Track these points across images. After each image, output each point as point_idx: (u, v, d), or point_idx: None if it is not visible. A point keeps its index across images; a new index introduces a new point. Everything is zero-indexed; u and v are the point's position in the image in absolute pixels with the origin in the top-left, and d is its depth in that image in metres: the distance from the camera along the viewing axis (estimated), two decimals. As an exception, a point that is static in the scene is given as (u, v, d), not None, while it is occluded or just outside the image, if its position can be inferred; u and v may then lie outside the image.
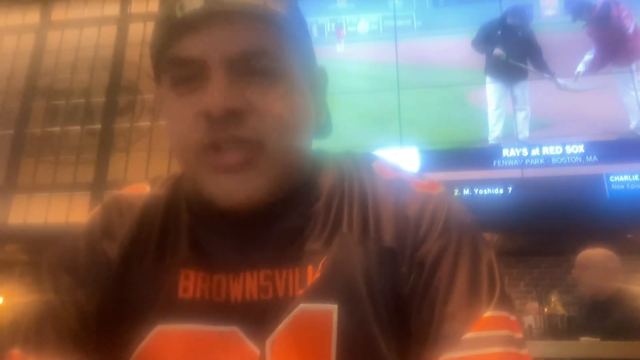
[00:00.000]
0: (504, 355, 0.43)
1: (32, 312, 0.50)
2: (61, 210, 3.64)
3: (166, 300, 0.49)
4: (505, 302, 0.47)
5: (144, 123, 3.79)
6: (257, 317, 0.47)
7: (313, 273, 0.48)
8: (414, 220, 0.49)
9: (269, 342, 0.46)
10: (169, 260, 0.51)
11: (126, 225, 0.54)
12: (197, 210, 0.54)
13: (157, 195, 0.57)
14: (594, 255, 2.51)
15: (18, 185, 3.76)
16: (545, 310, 3.06)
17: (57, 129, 3.90)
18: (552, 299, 3.07)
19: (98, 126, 3.84)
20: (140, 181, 0.63)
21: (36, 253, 3.77)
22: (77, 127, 3.87)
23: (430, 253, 0.48)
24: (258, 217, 0.51)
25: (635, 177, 2.87)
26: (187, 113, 0.47)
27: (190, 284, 0.49)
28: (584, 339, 2.05)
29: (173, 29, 0.46)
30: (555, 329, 2.85)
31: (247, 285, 0.49)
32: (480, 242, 0.49)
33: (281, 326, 0.46)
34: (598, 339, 2.02)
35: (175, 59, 0.47)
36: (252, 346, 0.47)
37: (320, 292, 0.47)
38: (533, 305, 3.25)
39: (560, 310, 2.98)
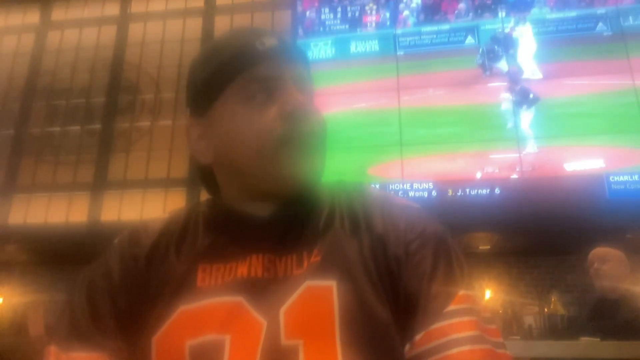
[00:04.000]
0: (474, 323, 0.56)
1: (69, 313, 0.62)
2: (61, 210, 3.64)
3: (187, 290, 0.59)
4: (472, 287, 0.60)
5: (144, 123, 3.80)
6: (260, 290, 0.58)
7: (307, 256, 0.60)
8: (402, 224, 0.62)
9: (282, 311, 0.56)
10: (188, 258, 0.63)
11: (151, 235, 0.66)
12: (212, 221, 0.67)
13: (176, 215, 0.71)
14: (612, 252, 2.49)
15: (18, 185, 3.76)
16: (545, 310, 3.06)
17: (57, 129, 3.90)
18: (552, 299, 3.07)
19: (98, 126, 3.84)
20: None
21: (36, 253, 3.78)
22: (77, 127, 3.88)
23: (415, 250, 0.60)
24: (263, 222, 0.64)
25: (635, 177, 2.87)
26: (266, 116, 0.62)
27: (206, 275, 0.60)
28: (584, 339, 2.05)
29: (256, 56, 0.64)
30: (555, 329, 2.86)
31: (252, 265, 0.60)
32: (451, 243, 0.63)
33: (292, 298, 0.56)
34: (598, 339, 2.02)
35: (256, 77, 0.63)
36: (258, 317, 0.56)
37: (321, 271, 0.58)
38: (533, 305, 3.25)
39: (560, 310, 2.98)
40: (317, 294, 0.57)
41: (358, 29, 3.58)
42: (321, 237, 0.62)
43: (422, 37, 3.48)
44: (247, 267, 0.60)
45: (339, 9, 3.64)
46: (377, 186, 2.74)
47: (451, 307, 0.56)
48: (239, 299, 0.57)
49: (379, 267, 0.59)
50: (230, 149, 0.65)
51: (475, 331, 0.55)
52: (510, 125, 3.14)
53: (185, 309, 0.58)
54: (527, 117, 3.13)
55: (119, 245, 0.67)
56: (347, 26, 3.60)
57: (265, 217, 0.64)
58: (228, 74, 0.65)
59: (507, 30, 3.35)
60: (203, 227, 0.66)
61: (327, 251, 0.60)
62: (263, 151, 0.62)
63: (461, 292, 0.57)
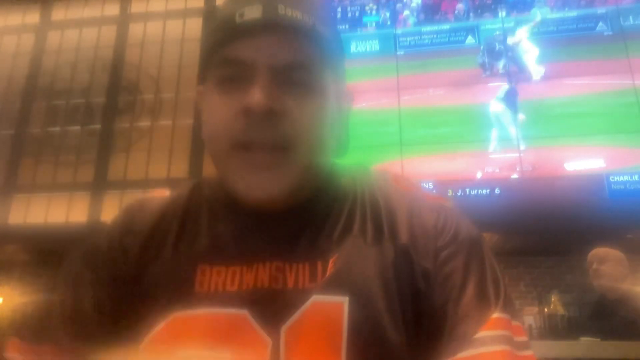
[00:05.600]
0: (507, 354, 0.47)
1: (39, 306, 0.55)
2: (61, 210, 3.63)
3: (183, 294, 0.52)
4: (509, 306, 0.52)
5: (144, 123, 3.79)
6: (267, 304, 0.50)
7: (322, 268, 0.52)
8: (431, 228, 0.54)
9: (283, 329, 0.49)
10: (186, 255, 0.54)
11: (147, 222, 0.57)
12: (216, 209, 0.57)
13: (177, 196, 0.61)
14: (611, 252, 2.50)
15: (18, 185, 3.76)
16: (545, 310, 3.06)
17: (57, 129, 3.90)
18: (552, 299, 3.07)
19: (98, 126, 3.84)
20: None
21: (36, 253, 3.77)
22: (77, 127, 3.87)
23: (445, 259, 0.52)
24: (273, 217, 0.55)
25: (635, 177, 2.87)
26: (228, 110, 0.51)
27: (206, 278, 0.52)
28: (584, 339, 2.05)
29: (230, 32, 0.51)
30: (555, 329, 2.86)
31: (259, 274, 0.52)
32: (486, 251, 0.55)
33: (295, 315, 0.49)
34: (598, 339, 2.02)
35: (227, 58, 0.52)
36: (263, 334, 0.49)
37: (332, 285, 0.50)
38: (533, 305, 3.25)
39: (560, 310, 2.98)
40: (324, 311, 0.49)
41: (358, 29, 3.58)
42: (338, 245, 0.53)
43: (422, 36, 3.48)
44: (254, 275, 0.52)
45: (339, 9, 3.64)
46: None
47: (482, 332, 0.48)
48: (243, 313, 0.50)
49: (401, 285, 0.51)
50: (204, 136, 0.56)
51: None
52: (508, 124, 3.14)
53: (179, 316, 0.50)
54: (519, 115, 3.13)
55: (110, 232, 0.58)
56: (347, 26, 3.60)
57: (274, 215, 0.54)
58: (207, 51, 0.55)
59: (507, 32, 3.34)
60: (206, 217, 0.57)
61: (343, 263, 0.51)
62: (217, 150, 0.53)
63: (495, 315, 0.49)
